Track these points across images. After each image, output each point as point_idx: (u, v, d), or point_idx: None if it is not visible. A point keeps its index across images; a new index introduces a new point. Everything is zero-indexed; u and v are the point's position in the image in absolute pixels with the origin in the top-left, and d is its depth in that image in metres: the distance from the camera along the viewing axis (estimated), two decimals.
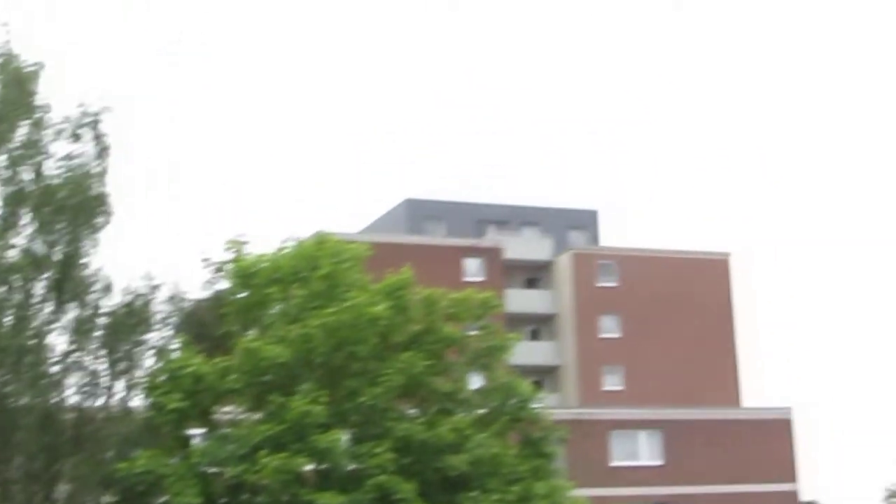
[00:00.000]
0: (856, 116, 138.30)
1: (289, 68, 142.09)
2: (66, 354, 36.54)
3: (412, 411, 39.26)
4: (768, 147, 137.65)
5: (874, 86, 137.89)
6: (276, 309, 39.48)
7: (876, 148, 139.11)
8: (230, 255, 39.49)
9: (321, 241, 39.94)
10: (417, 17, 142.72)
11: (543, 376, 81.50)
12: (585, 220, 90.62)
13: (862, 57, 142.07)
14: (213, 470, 36.22)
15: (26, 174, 35.69)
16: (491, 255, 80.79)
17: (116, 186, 37.05)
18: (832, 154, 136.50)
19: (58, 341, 36.63)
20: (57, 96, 36.51)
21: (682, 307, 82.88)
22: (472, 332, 41.80)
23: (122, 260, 38.13)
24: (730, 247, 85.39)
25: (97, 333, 37.02)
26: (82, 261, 36.52)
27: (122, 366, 37.29)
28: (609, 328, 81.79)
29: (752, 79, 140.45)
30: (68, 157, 36.32)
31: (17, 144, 35.71)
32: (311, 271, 39.21)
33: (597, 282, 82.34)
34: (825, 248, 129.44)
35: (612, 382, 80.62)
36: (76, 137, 36.50)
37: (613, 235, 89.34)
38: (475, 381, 42.65)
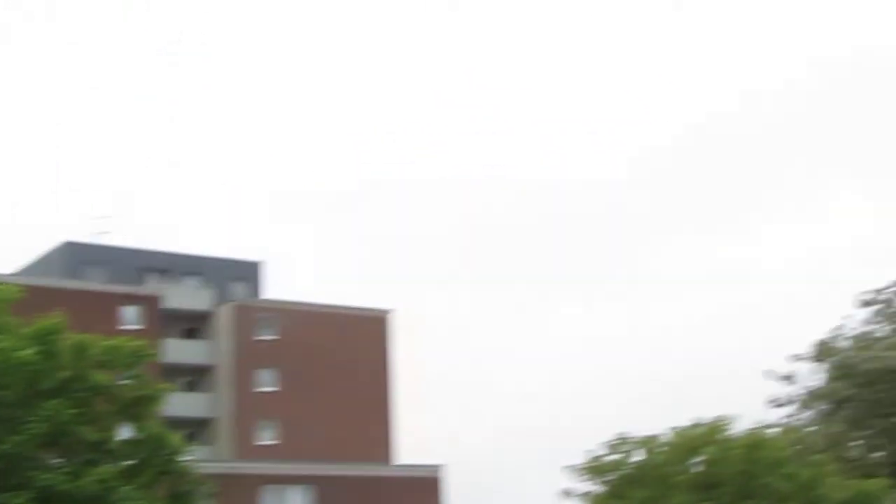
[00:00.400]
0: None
1: None
2: None
3: (57, 461, 38.15)
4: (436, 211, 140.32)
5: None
6: None
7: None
8: None
9: None
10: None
11: (198, 429, 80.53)
12: (249, 272, 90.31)
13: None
14: None
15: None
16: (149, 304, 79.51)
17: None
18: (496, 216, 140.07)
19: None
20: None
21: (340, 363, 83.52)
22: (124, 381, 41.01)
23: None
24: (392, 304, 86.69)
25: None
26: None
27: None
28: (266, 382, 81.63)
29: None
30: None
31: None
32: None
33: (256, 334, 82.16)
34: (488, 309, 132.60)
35: (267, 437, 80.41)
36: None
37: (278, 288, 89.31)
38: (124, 432, 41.81)
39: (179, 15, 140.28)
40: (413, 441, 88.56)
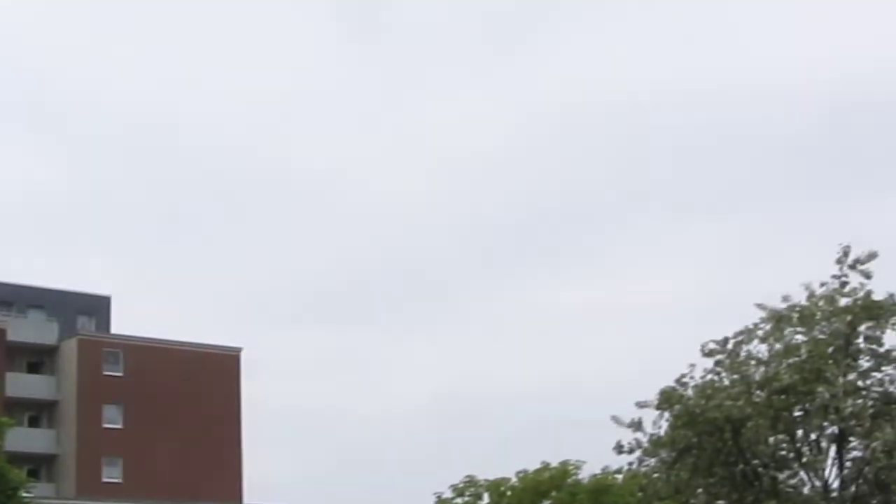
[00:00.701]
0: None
1: None
2: None
3: None
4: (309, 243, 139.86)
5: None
6: None
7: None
8: None
9: None
10: None
11: (41, 465, 78.99)
12: (97, 306, 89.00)
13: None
14: None
15: None
16: None
17: None
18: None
19: None
20: None
21: (189, 399, 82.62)
22: None
23: None
24: (242, 342, 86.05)
25: None
26: None
27: None
28: (112, 418, 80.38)
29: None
30: None
31: None
32: None
33: (102, 370, 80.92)
34: (335, 348, 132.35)
35: (112, 474, 79.12)
36: None
37: (128, 323, 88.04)
38: None
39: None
40: (260, 480, 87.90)
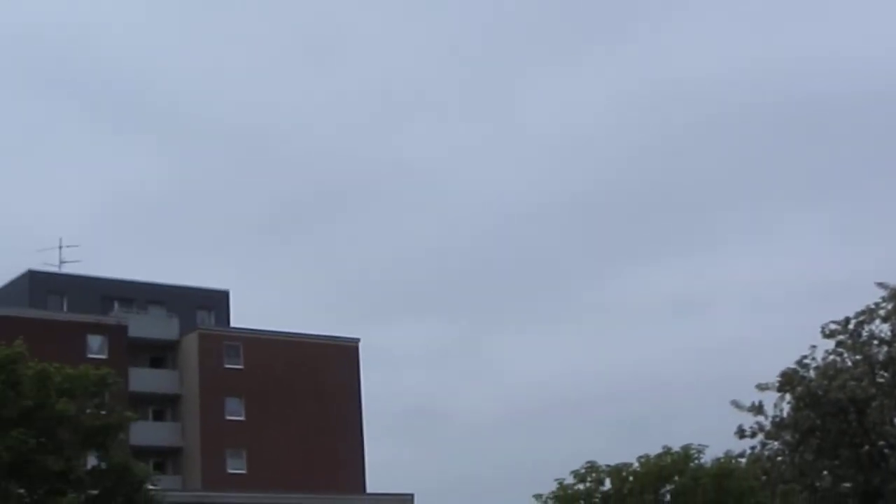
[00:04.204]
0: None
1: None
2: None
3: (20, 491, 37.88)
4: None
5: None
6: None
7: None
8: None
9: None
10: None
11: (167, 458, 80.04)
12: (216, 301, 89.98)
13: None
14: None
15: None
16: (115, 333, 79.02)
17: None
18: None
19: None
20: None
21: (309, 391, 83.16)
22: (88, 410, 40.79)
23: None
24: (359, 333, 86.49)
25: None
26: None
27: None
28: (234, 410, 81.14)
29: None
30: None
31: None
32: None
33: (223, 363, 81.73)
34: (452, 339, 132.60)
35: (236, 465, 79.92)
36: None
37: (246, 317, 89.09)
38: (90, 461, 41.59)
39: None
40: (382, 469, 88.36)
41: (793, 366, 37.61)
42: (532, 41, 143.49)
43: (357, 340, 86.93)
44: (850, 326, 37.48)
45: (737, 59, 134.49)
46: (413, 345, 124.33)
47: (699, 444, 43.01)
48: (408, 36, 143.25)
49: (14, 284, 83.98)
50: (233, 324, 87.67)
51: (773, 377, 37.47)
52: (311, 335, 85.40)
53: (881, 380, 36.66)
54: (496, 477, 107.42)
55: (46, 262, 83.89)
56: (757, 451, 38.34)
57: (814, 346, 37.78)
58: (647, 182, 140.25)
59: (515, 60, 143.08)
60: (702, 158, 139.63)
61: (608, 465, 44.19)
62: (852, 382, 36.03)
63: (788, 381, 37.24)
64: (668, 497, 42.68)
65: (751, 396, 37.75)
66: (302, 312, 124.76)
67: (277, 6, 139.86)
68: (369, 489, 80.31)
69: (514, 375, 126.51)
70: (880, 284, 37.29)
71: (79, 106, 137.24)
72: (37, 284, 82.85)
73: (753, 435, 37.99)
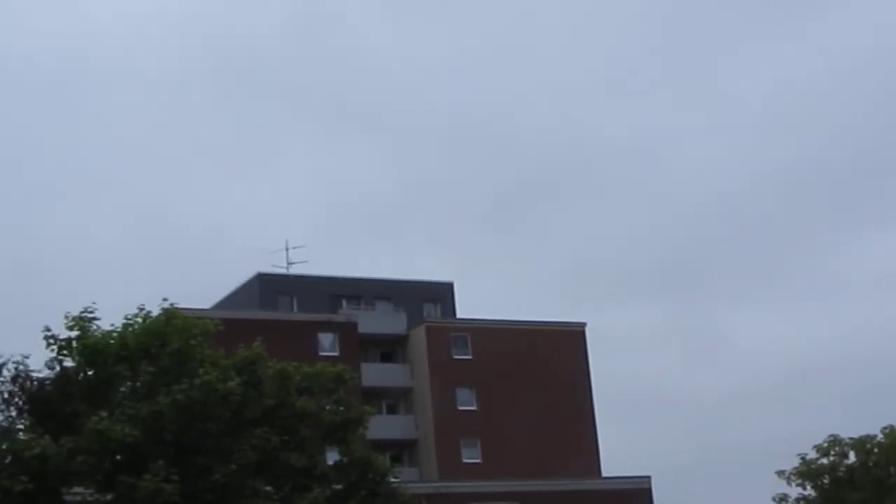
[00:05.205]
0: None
1: (123, 136, 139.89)
2: None
3: (267, 488, 38.60)
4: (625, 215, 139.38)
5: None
6: (124, 387, 38.66)
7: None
8: (75, 332, 38.59)
9: (170, 316, 39.28)
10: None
11: (402, 450, 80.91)
12: (441, 293, 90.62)
13: None
14: None
15: None
16: (345, 330, 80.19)
17: None
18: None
19: None
20: None
21: (538, 377, 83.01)
22: (327, 407, 41.40)
23: None
24: (584, 317, 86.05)
25: None
26: None
27: None
28: (466, 400, 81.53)
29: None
30: None
31: None
32: (161, 347, 38.53)
33: (452, 354, 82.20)
34: (677, 321, 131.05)
35: (471, 455, 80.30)
36: None
37: (471, 307, 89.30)
38: (331, 456, 42.20)
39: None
40: (616, 453, 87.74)
41: None
42: (739, 17, 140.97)
43: (583, 325, 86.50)
44: None
45: None
46: (638, 325, 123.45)
47: None
48: (616, 14, 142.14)
49: (245, 288, 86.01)
50: (458, 315, 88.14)
51: None
52: (537, 322, 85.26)
53: None
54: (734, 455, 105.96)
55: (275, 265, 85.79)
56: None
57: None
58: (870, 149, 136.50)
59: (723, 35, 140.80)
60: None
61: (851, 438, 42.98)
62: None
63: None
64: None
65: None
66: (525, 299, 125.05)
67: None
68: (604, 473, 79.82)
69: (744, 351, 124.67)
70: None
71: (300, 109, 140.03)
72: (267, 287, 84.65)
73: None
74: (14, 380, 37.73)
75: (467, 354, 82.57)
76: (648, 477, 68.38)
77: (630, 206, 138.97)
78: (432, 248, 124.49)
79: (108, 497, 36.36)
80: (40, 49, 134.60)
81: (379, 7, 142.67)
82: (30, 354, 38.23)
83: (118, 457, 36.58)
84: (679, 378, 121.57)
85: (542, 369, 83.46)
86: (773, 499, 50.85)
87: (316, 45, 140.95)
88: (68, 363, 38.79)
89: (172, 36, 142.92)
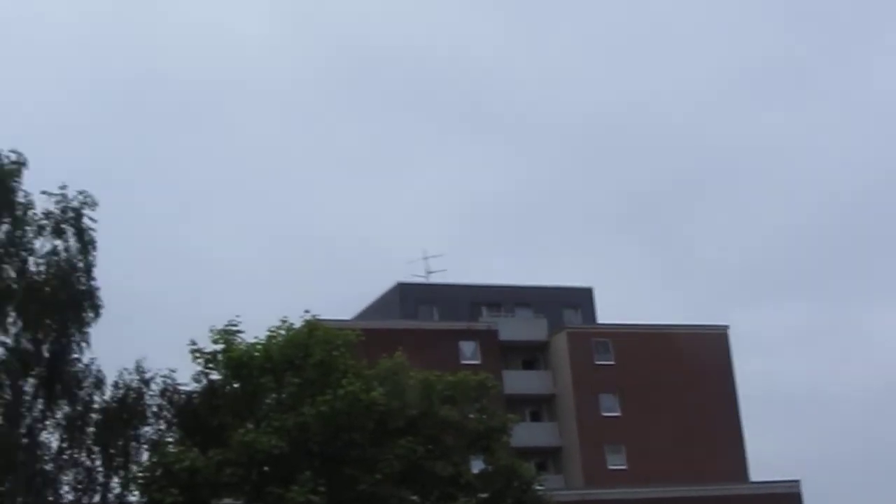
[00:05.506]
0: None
1: (260, 148, 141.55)
2: (60, 451, 36.07)
3: (413, 497, 38.65)
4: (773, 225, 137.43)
5: None
6: (270, 398, 39.06)
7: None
8: (220, 345, 39.09)
9: (312, 327, 39.59)
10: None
11: (546, 457, 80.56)
12: (580, 298, 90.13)
13: None
14: None
15: (10, 271, 35.29)
16: (486, 338, 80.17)
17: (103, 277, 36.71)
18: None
19: (51, 438, 36.23)
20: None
21: (681, 381, 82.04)
22: (470, 415, 41.33)
23: (112, 352, 37.70)
24: (728, 318, 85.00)
25: (90, 429, 36.59)
26: (72, 356, 36.10)
27: (116, 461, 36.82)
28: (609, 406, 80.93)
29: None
30: (52, 252, 35.94)
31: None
32: (304, 359, 38.86)
33: (594, 360, 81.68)
34: (829, 317, 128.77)
35: (616, 461, 79.67)
36: (59, 233, 36.14)
37: (611, 312, 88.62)
38: (476, 465, 42.11)
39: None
40: (763, 457, 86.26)
41: None
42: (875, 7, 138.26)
43: (726, 327, 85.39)
44: None
45: None
46: (781, 327, 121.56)
47: None
48: (750, 12, 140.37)
49: (385, 298, 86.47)
50: (598, 320, 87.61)
51: None
52: (679, 325, 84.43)
53: None
54: (889, 457, 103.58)
55: (414, 274, 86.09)
56: None
57: None
58: None
59: (864, 28, 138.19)
60: None
61: None
62: None
63: None
64: None
65: None
66: (665, 303, 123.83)
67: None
68: (752, 478, 78.67)
69: (889, 350, 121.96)
70: None
71: (432, 117, 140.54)
72: (407, 296, 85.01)
73: None
74: (162, 394, 38.29)
75: (609, 360, 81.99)
76: (798, 481, 67.21)
77: (769, 205, 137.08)
78: (570, 253, 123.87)
79: None
80: (175, 67, 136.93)
81: (510, 11, 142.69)
82: (177, 369, 38.82)
83: (265, 468, 36.93)
84: (825, 378, 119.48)
85: (686, 373, 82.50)
86: None
87: (448, 53, 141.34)
88: (214, 376, 39.30)
89: (308, 49, 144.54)
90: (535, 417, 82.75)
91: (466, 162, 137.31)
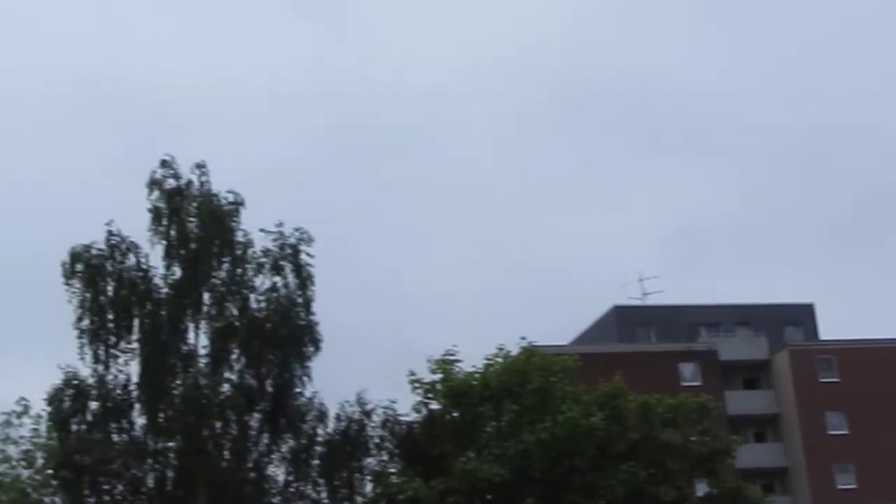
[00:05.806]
0: None
1: (471, 181, 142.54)
2: (287, 485, 36.78)
3: None
4: None
5: None
6: (489, 426, 39.20)
7: None
8: (438, 375, 39.44)
9: (530, 354, 39.65)
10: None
11: (772, 479, 78.95)
12: (801, 315, 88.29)
13: None
14: None
15: (233, 309, 36.20)
16: (706, 358, 79.08)
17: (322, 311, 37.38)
18: None
19: (277, 472, 36.96)
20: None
21: None
22: (692, 438, 40.78)
23: (331, 385, 38.32)
24: None
25: (315, 462, 37.23)
26: (294, 390, 36.81)
27: (341, 493, 37.36)
28: (836, 424, 78.95)
29: None
30: (272, 289, 36.75)
31: (221, 281, 36.30)
32: (522, 386, 38.92)
33: (818, 377, 79.82)
34: None
35: (845, 481, 77.64)
36: (278, 269, 36.95)
37: (833, 328, 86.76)
38: (700, 488, 41.51)
39: None
40: None
41: None
42: None
43: None
44: None
45: None
46: None
47: None
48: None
49: (602, 321, 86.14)
50: (821, 336, 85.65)
51: None
52: None
53: None
54: None
55: (630, 297, 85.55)
56: None
57: None
58: None
59: None
60: None
61: None
62: None
63: None
64: None
65: None
66: (891, 317, 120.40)
67: None
68: None
69: None
70: None
71: (635, 138, 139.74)
72: (623, 319, 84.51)
73: None
74: (384, 424, 38.72)
75: (834, 377, 80.00)
76: None
77: None
78: (788, 269, 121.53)
79: None
80: (382, 112, 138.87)
81: (709, 27, 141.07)
82: (397, 399, 39.23)
83: (488, 496, 37.04)
84: None
85: None
86: None
87: (647, 73, 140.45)
88: (434, 406, 39.62)
89: (513, 78, 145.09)
90: (760, 438, 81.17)
91: (673, 182, 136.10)
